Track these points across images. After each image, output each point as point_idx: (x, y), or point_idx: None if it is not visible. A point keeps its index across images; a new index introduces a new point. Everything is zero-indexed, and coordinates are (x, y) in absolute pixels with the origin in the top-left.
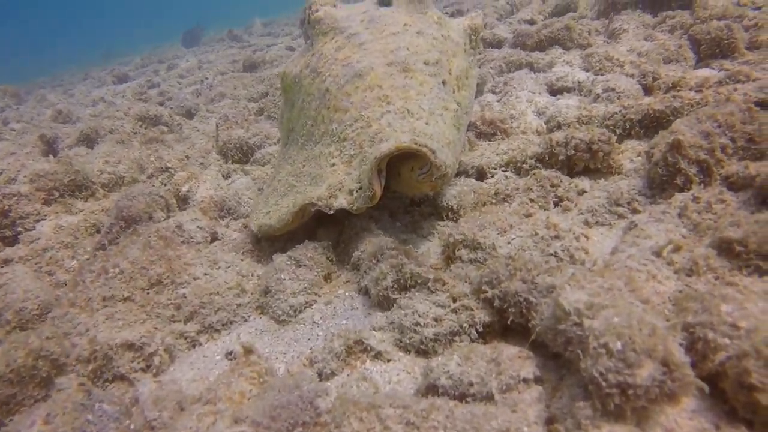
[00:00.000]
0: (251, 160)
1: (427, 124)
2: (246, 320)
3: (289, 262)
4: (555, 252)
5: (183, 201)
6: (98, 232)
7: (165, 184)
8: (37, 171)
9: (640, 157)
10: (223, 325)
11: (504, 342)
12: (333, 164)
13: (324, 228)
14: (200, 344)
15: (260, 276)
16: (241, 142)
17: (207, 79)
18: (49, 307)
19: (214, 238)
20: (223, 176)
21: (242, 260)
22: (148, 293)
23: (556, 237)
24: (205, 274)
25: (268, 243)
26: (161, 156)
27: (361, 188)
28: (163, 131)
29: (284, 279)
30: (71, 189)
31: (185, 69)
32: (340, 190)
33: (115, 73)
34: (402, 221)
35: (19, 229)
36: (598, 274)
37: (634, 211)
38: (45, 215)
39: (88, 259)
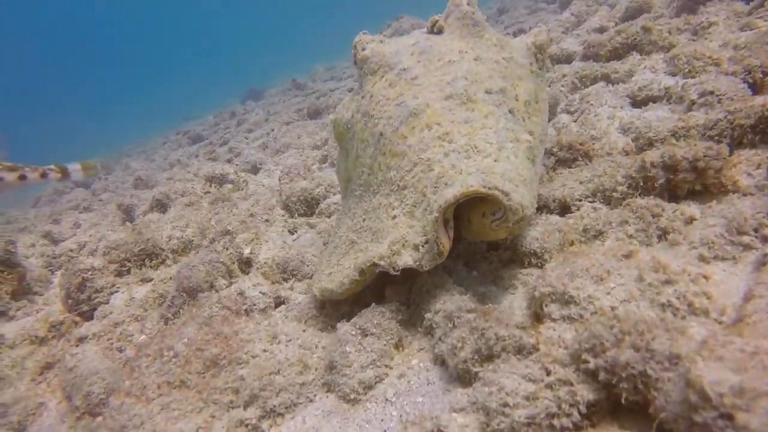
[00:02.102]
0: (316, 212)
1: (496, 161)
2: (311, 401)
3: (354, 332)
4: (668, 301)
5: (246, 264)
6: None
7: (227, 248)
8: (110, 243)
9: (760, 170)
10: (286, 408)
11: (617, 426)
12: (394, 216)
13: (392, 286)
14: (262, 431)
15: (324, 347)
16: (305, 194)
17: (273, 131)
18: (115, 390)
19: (278, 302)
20: (289, 231)
21: (304, 331)
22: (203, 377)
23: (668, 281)
24: (264, 351)
25: (333, 307)
26: (221, 219)
27: (427, 242)
28: (230, 190)
29: (350, 352)
30: (142, 258)
31: (253, 123)
32: (403, 246)
33: (190, 135)
34: (479, 269)
35: (95, 303)
36: (734, 331)
37: (765, 240)
38: (118, 287)
39: (148, 336)
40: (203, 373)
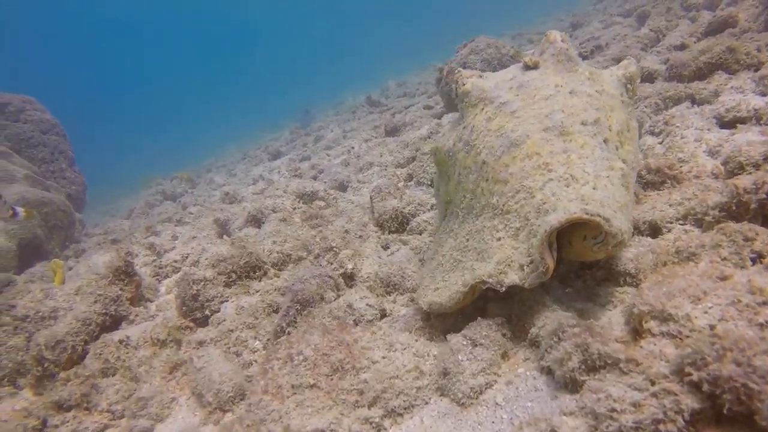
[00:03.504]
0: (407, 229)
1: (594, 189)
2: (427, 403)
3: (465, 342)
4: (766, 321)
5: (349, 278)
6: (275, 311)
7: (331, 263)
8: (217, 255)
9: None
10: (404, 408)
11: None
12: (499, 238)
13: (494, 303)
14: (385, 429)
15: (435, 356)
16: (396, 212)
17: (353, 148)
18: (242, 389)
19: (383, 314)
20: (382, 247)
21: (416, 340)
22: (331, 379)
23: (764, 303)
24: (383, 357)
25: (438, 319)
26: (326, 236)
27: (531, 263)
28: (321, 207)
29: (462, 360)
30: (246, 271)
31: (331, 140)
32: (509, 266)
33: (269, 150)
34: (574, 286)
35: (207, 312)
36: None
37: None
38: (227, 297)
39: (270, 341)
40: (330, 375)
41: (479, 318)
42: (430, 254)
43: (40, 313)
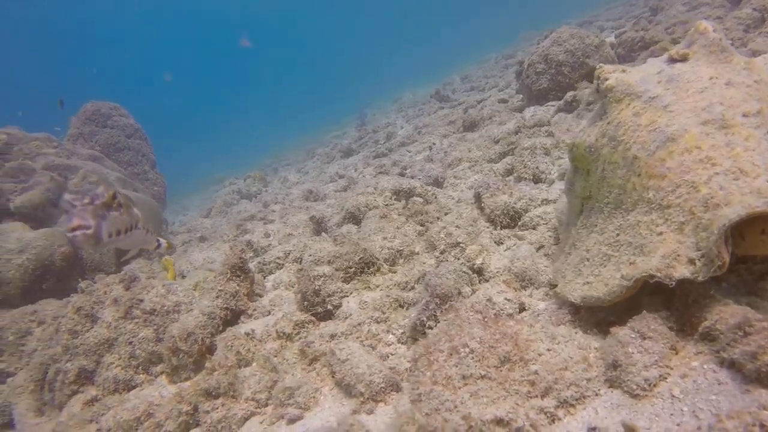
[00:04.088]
0: (519, 224)
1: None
2: (597, 394)
3: (633, 335)
4: None
5: (477, 273)
6: (400, 306)
7: (458, 258)
8: (333, 252)
9: None
10: (576, 399)
11: None
12: (660, 233)
13: (649, 297)
14: (559, 419)
15: (597, 348)
16: (508, 208)
17: (434, 144)
18: (393, 380)
19: (521, 308)
20: (495, 243)
21: (576, 333)
22: (500, 371)
23: None
24: (548, 350)
25: (588, 313)
26: (450, 232)
27: (704, 257)
28: (422, 203)
29: (632, 352)
30: (361, 267)
31: (405, 137)
32: (676, 259)
33: (339, 148)
34: (728, 281)
35: (328, 306)
36: None
37: None
38: (348, 292)
39: (404, 335)
40: (499, 367)
41: (644, 312)
42: (566, 249)
43: (165, 307)
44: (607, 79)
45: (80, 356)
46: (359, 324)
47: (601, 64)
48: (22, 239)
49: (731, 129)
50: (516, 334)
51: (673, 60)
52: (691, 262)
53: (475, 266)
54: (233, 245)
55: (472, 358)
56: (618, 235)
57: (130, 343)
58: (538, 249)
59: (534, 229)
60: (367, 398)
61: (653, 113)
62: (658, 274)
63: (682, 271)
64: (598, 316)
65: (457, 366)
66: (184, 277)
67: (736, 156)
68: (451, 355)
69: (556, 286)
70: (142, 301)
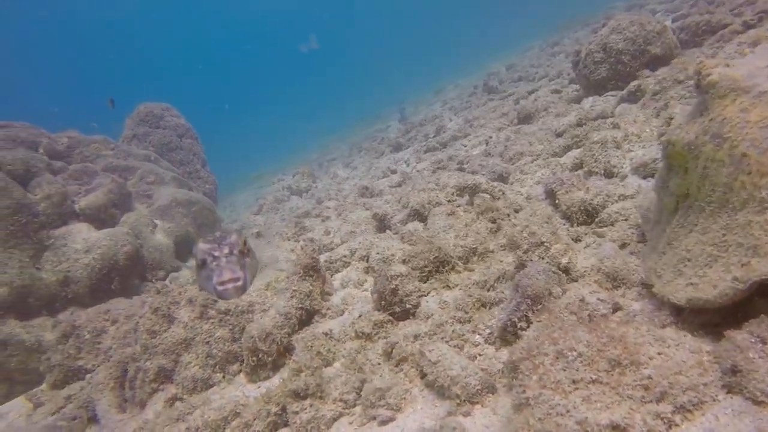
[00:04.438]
0: (596, 220)
1: None
2: (715, 400)
3: (753, 340)
4: None
5: (564, 272)
6: (483, 306)
7: (543, 258)
8: (408, 251)
9: None
10: (693, 405)
11: None
12: None
13: (760, 299)
14: (676, 425)
15: (709, 352)
16: (585, 204)
17: (491, 138)
18: (489, 382)
19: (615, 308)
20: (572, 240)
21: (685, 336)
22: (611, 375)
23: None
24: (659, 354)
25: (693, 314)
26: (534, 231)
27: None
28: (489, 199)
29: (754, 358)
30: (437, 265)
31: (456, 130)
32: None
33: (388, 143)
34: None
35: (407, 305)
36: None
37: None
38: (425, 291)
39: (493, 335)
40: (610, 371)
41: (762, 315)
42: (659, 248)
43: (239, 308)
44: (709, 75)
45: (159, 355)
46: (442, 324)
47: (702, 60)
48: (88, 239)
49: None
50: (623, 336)
51: None
52: None
53: (562, 265)
54: (305, 245)
55: (581, 361)
56: (725, 235)
57: (207, 342)
58: (621, 246)
59: (612, 225)
60: (464, 400)
61: (764, 109)
62: None
63: None
64: (703, 318)
65: (565, 370)
66: None
67: None
68: (557, 358)
69: (651, 286)
70: (216, 301)
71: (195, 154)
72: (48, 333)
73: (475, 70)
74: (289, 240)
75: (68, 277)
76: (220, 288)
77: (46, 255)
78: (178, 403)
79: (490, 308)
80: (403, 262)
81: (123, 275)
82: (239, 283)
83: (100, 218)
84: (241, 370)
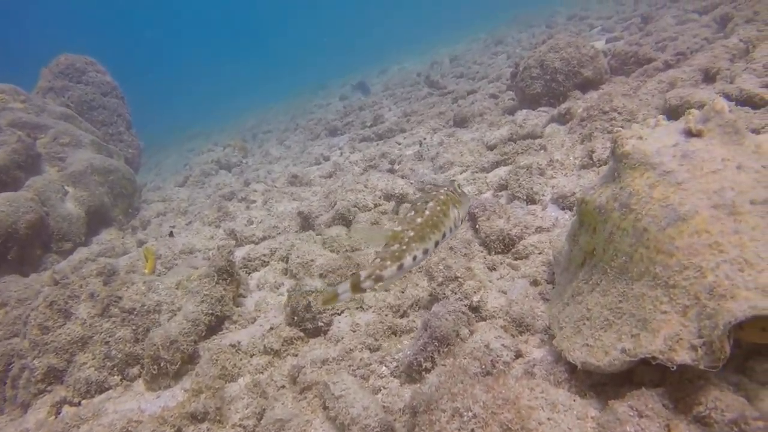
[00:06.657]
0: (512, 251)
1: None
2: None
3: (631, 413)
4: None
5: (474, 311)
6: (393, 334)
7: (455, 293)
8: (327, 265)
9: None
10: None
11: None
12: (664, 311)
13: (644, 366)
14: None
15: (594, 419)
16: (504, 234)
17: (425, 139)
18: (388, 425)
19: (518, 355)
20: (488, 269)
21: (574, 400)
22: None
23: None
24: (548, 419)
25: (586, 374)
26: (449, 265)
27: (704, 344)
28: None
29: (629, 431)
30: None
31: (393, 123)
32: (678, 343)
33: (324, 125)
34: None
35: (318, 323)
36: None
37: None
38: (339, 310)
39: (398, 369)
40: None
41: (643, 388)
42: (564, 298)
43: (146, 307)
44: (624, 146)
45: (50, 354)
46: (351, 350)
47: (619, 129)
48: None
49: (740, 216)
50: (517, 398)
51: (688, 134)
52: (694, 348)
53: (473, 303)
54: (221, 246)
55: (475, 423)
56: (621, 302)
57: (106, 342)
58: (533, 283)
59: (527, 258)
60: None
61: (666, 188)
62: (661, 357)
63: (684, 357)
64: (594, 379)
65: (459, 431)
66: (160, 258)
67: (743, 245)
68: (453, 416)
69: (553, 335)
70: (121, 298)
71: (119, 116)
72: None
73: (425, 49)
74: (209, 225)
75: None
76: None
77: None
78: (65, 410)
79: (400, 336)
80: (320, 276)
81: (22, 245)
82: None
83: (1, 180)
84: (140, 375)
